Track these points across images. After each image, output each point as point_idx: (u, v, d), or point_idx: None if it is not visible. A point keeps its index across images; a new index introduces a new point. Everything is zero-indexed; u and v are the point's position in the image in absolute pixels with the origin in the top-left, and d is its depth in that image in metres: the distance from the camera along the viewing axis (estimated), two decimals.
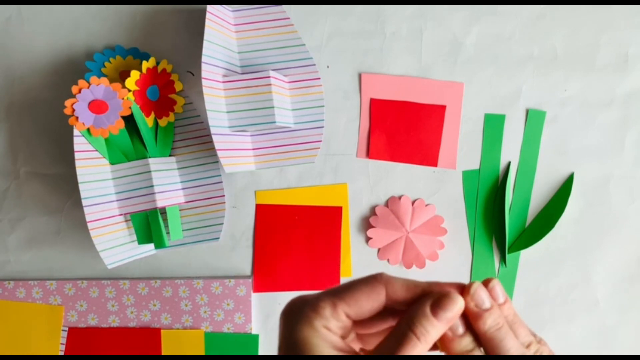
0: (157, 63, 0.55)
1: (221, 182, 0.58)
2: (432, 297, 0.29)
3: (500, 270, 0.57)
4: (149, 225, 0.55)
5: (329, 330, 0.27)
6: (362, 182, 0.58)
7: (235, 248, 0.59)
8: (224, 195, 0.58)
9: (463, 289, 0.30)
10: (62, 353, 0.59)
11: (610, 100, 0.56)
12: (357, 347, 0.31)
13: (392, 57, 0.57)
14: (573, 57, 0.56)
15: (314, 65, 0.56)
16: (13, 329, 0.59)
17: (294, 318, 0.28)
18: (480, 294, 0.29)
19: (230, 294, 0.58)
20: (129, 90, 0.53)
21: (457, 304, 0.28)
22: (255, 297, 0.59)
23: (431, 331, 0.28)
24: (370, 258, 0.58)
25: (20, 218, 0.60)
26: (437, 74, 0.57)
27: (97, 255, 0.58)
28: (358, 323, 0.30)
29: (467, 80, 0.56)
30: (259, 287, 0.59)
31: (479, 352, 0.29)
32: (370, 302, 0.28)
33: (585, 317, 0.57)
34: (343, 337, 0.28)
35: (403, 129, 0.57)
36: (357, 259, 0.58)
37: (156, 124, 0.56)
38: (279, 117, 0.53)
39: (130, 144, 0.55)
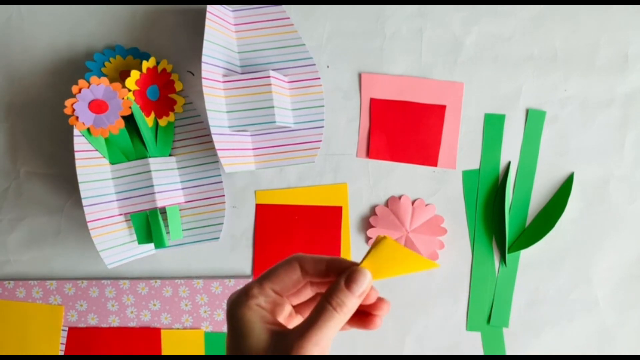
0: (157, 63, 0.55)
1: (221, 182, 0.58)
2: (345, 273, 0.33)
3: (500, 270, 0.57)
4: (149, 225, 0.55)
5: (260, 306, 0.33)
6: (362, 182, 0.58)
7: (235, 248, 0.59)
8: (224, 195, 0.58)
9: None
10: (62, 353, 0.59)
11: (610, 100, 0.56)
12: (293, 320, 0.36)
13: (392, 57, 0.57)
14: (573, 57, 0.56)
15: (314, 65, 0.56)
16: (13, 329, 0.59)
17: (234, 303, 0.34)
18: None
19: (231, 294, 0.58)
20: (129, 90, 0.53)
21: (367, 278, 0.33)
22: None
23: (347, 302, 0.33)
24: None
25: (20, 218, 0.60)
26: (437, 74, 0.57)
27: (97, 255, 0.58)
28: (292, 297, 0.36)
29: (467, 80, 0.56)
30: None
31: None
32: (289, 277, 0.34)
33: (585, 317, 0.57)
34: (273, 310, 0.34)
35: (403, 129, 0.57)
36: (357, 259, 0.58)
37: (156, 123, 0.56)
38: (279, 117, 0.53)
39: (130, 144, 0.55)
